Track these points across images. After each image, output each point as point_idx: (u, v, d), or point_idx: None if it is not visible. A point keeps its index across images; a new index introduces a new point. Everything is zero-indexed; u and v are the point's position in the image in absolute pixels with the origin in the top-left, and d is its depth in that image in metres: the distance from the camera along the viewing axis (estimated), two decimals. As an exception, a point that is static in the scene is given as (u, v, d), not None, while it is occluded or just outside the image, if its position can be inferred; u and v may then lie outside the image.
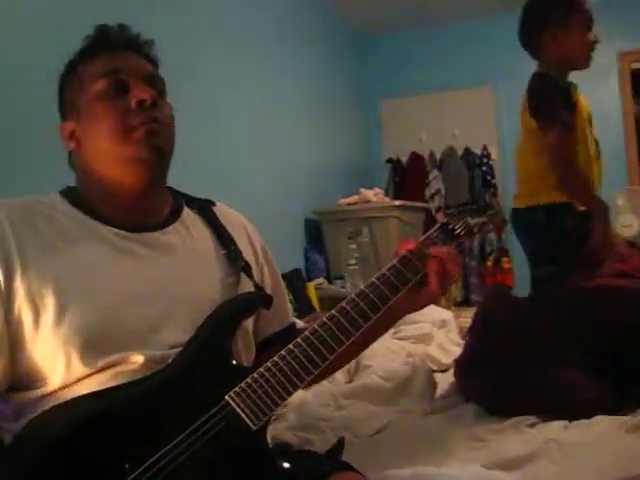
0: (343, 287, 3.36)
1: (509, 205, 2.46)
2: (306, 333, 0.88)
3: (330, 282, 3.47)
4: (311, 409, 1.80)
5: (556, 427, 1.63)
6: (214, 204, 1.06)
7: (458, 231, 1.05)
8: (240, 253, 0.99)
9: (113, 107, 0.89)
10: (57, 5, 1.90)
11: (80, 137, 0.91)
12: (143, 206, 0.94)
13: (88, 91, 0.90)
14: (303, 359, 0.86)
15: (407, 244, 0.99)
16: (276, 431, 1.61)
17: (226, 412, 0.81)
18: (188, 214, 1.01)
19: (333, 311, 0.91)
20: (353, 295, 0.93)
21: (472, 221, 1.08)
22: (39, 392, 0.81)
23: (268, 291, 1.02)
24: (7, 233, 0.82)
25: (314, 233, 3.64)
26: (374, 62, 4.77)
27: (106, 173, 0.91)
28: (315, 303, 3.14)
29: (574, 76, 2.36)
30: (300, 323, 1.15)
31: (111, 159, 0.90)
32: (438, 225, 1.05)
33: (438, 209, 4.44)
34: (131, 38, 0.96)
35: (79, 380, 0.80)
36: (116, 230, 0.90)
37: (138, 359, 0.83)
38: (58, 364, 0.80)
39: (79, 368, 0.80)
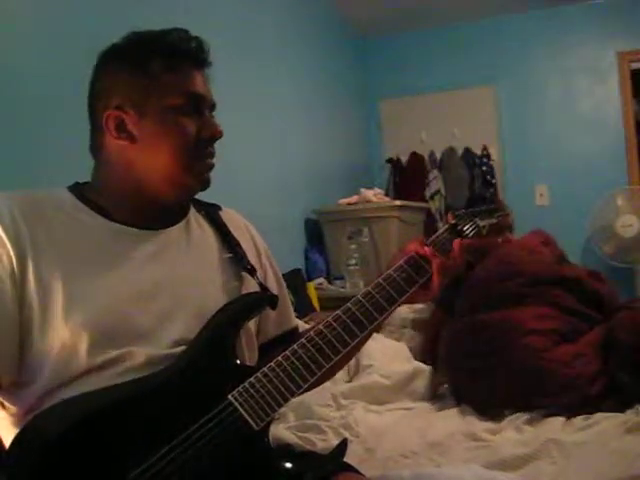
0: (343, 287, 3.35)
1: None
2: (311, 334, 0.88)
3: (330, 282, 3.47)
4: (311, 409, 1.80)
5: (556, 427, 1.63)
6: (220, 208, 1.07)
7: (467, 232, 1.05)
8: (245, 255, 0.99)
9: (188, 128, 0.90)
10: (57, 5, 1.90)
11: (138, 136, 0.89)
12: (160, 211, 0.95)
13: (166, 99, 0.89)
14: (307, 360, 0.86)
15: (415, 244, 0.99)
16: (277, 431, 1.61)
17: (229, 412, 0.81)
18: (195, 215, 1.01)
19: (339, 312, 0.91)
20: (359, 296, 0.93)
21: (481, 222, 1.08)
22: (41, 389, 0.81)
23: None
24: (20, 224, 0.83)
25: (314, 233, 3.64)
26: (374, 62, 4.77)
27: (152, 181, 0.91)
28: (315, 303, 3.14)
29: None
30: (303, 325, 1.15)
31: (167, 175, 0.90)
32: (447, 226, 1.05)
33: (447, 210, 4.42)
34: (208, 58, 0.95)
35: (81, 376, 0.80)
36: (125, 227, 0.90)
37: (142, 356, 0.83)
38: (63, 357, 0.80)
39: (84, 362, 0.80)
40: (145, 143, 0.89)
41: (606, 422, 1.60)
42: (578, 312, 1.94)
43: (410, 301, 1.00)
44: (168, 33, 0.92)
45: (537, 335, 1.84)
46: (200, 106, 0.93)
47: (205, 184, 0.95)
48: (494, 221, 1.11)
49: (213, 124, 0.93)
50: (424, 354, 2.28)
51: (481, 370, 1.87)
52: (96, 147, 0.94)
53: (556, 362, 1.77)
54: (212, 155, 0.94)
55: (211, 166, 0.95)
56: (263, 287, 0.99)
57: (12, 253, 0.80)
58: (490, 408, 1.80)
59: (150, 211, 0.93)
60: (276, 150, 3.29)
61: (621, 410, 1.68)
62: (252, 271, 0.98)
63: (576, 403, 1.70)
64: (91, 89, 0.94)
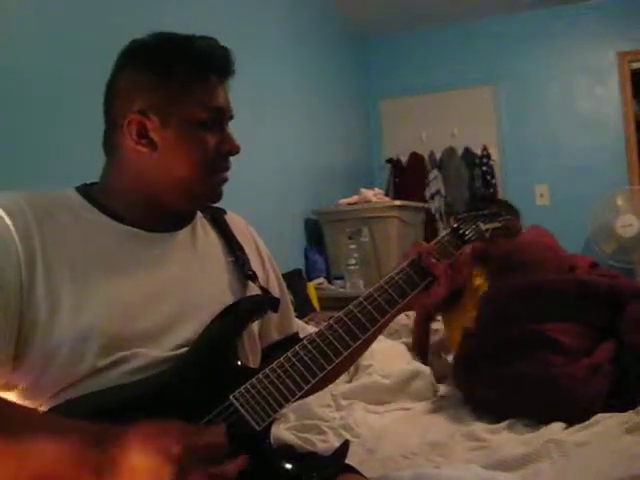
0: (343, 287, 3.36)
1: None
2: (312, 335, 0.88)
3: (330, 282, 3.47)
4: (312, 409, 1.80)
5: (556, 427, 1.63)
6: (225, 212, 1.07)
7: (469, 236, 1.05)
8: (247, 261, 1.00)
9: (209, 142, 0.90)
10: (58, 5, 1.90)
11: (159, 144, 0.89)
12: (169, 215, 0.95)
13: (191, 112, 0.89)
14: (309, 361, 0.86)
15: (417, 247, 0.99)
16: (277, 431, 1.61)
17: (230, 412, 0.81)
18: (200, 220, 1.02)
19: (340, 314, 0.91)
20: (361, 298, 0.93)
21: (484, 226, 1.08)
22: (47, 390, 0.81)
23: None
24: (31, 222, 0.82)
25: (314, 233, 3.64)
26: (374, 62, 4.77)
27: (166, 190, 0.91)
28: (315, 303, 3.14)
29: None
30: (303, 325, 1.15)
31: (183, 186, 0.91)
32: (449, 229, 1.06)
33: (447, 210, 4.43)
34: (233, 69, 0.95)
35: (87, 377, 0.80)
36: (133, 229, 0.90)
37: (147, 357, 0.83)
38: (70, 359, 0.80)
39: (91, 364, 0.80)
40: (165, 152, 0.89)
41: (606, 422, 1.60)
42: (602, 327, 1.89)
43: (411, 307, 1.01)
44: (196, 40, 0.91)
45: (558, 352, 1.77)
46: (222, 120, 0.93)
47: (218, 196, 0.95)
48: (497, 225, 1.11)
49: (232, 140, 0.94)
50: (417, 349, 2.28)
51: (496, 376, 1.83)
52: (111, 146, 0.93)
53: (571, 378, 1.71)
54: (227, 169, 0.95)
55: (225, 179, 0.95)
56: (264, 289, 0.99)
57: (21, 250, 0.80)
58: (497, 410, 1.78)
59: (159, 215, 0.93)
60: (276, 150, 3.29)
61: (621, 410, 1.67)
62: (253, 277, 0.99)
63: (587, 416, 1.68)
64: (110, 86, 0.92)
